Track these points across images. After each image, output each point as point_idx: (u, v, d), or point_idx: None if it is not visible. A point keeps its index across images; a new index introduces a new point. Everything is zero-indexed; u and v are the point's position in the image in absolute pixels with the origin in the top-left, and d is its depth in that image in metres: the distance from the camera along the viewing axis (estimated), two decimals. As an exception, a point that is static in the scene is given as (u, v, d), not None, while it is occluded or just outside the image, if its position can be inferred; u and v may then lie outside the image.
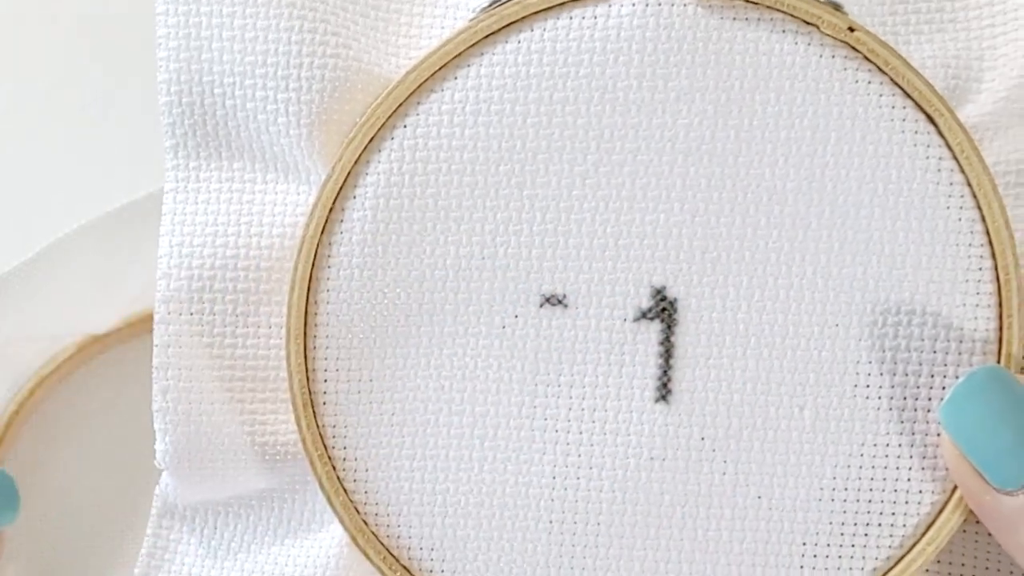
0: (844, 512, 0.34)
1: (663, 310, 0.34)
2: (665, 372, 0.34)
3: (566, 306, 0.34)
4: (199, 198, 0.35)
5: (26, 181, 0.48)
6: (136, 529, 0.44)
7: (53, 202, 0.47)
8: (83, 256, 0.43)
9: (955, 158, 0.33)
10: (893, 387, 0.33)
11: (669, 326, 0.34)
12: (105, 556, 0.45)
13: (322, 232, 0.34)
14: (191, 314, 0.35)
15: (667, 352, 0.34)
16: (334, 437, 0.35)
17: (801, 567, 0.34)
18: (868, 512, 0.34)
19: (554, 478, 0.34)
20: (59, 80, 0.48)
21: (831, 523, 0.34)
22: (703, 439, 0.34)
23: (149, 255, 0.43)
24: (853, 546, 0.34)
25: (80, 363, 0.45)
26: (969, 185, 0.33)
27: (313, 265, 0.34)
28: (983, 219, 0.33)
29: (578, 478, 0.34)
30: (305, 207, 0.35)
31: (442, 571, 0.35)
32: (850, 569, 0.34)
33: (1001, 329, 0.33)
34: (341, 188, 0.34)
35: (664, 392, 0.34)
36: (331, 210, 0.34)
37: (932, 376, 0.33)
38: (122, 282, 0.44)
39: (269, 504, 0.36)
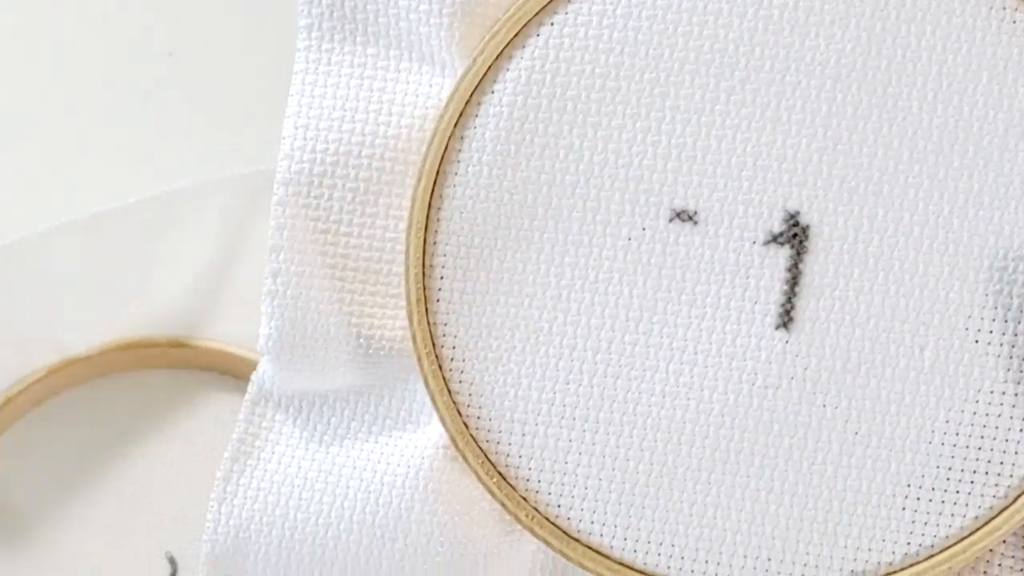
0: (953, 457, 0.33)
1: (794, 235, 0.33)
2: (789, 299, 0.33)
3: (696, 223, 0.33)
4: (329, 81, 0.34)
5: (26, 181, 0.47)
6: (109, 564, 0.44)
7: (53, 202, 0.47)
8: (64, 259, 0.42)
9: (1104, 110, 0.33)
10: (1016, 335, 0.33)
11: (799, 252, 0.33)
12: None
13: (455, 125, 0.34)
14: (310, 197, 0.34)
15: (794, 279, 0.33)
16: (444, 336, 0.34)
17: (903, 508, 0.33)
18: (977, 460, 0.33)
19: (663, 397, 0.34)
20: (59, 80, 0.47)
21: (938, 467, 0.33)
22: (820, 370, 0.33)
23: (142, 262, 0.43)
24: (958, 492, 0.33)
25: (51, 390, 0.43)
26: (1114, 139, 0.33)
27: (442, 159, 0.34)
28: None
29: (688, 399, 0.34)
30: (437, 99, 0.34)
31: (539, 481, 0.34)
32: (952, 515, 0.33)
33: None
34: (480, 82, 0.33)
35: (786, 319, 0.33)
36: (467, 103, 0.33)
37: (1056, 329, 0.33)
38: (107, 291, 0.44)
39: (366, 400, 0.36)
